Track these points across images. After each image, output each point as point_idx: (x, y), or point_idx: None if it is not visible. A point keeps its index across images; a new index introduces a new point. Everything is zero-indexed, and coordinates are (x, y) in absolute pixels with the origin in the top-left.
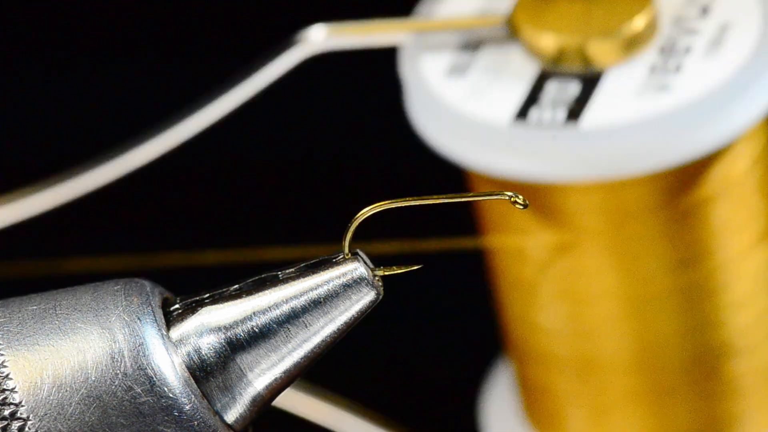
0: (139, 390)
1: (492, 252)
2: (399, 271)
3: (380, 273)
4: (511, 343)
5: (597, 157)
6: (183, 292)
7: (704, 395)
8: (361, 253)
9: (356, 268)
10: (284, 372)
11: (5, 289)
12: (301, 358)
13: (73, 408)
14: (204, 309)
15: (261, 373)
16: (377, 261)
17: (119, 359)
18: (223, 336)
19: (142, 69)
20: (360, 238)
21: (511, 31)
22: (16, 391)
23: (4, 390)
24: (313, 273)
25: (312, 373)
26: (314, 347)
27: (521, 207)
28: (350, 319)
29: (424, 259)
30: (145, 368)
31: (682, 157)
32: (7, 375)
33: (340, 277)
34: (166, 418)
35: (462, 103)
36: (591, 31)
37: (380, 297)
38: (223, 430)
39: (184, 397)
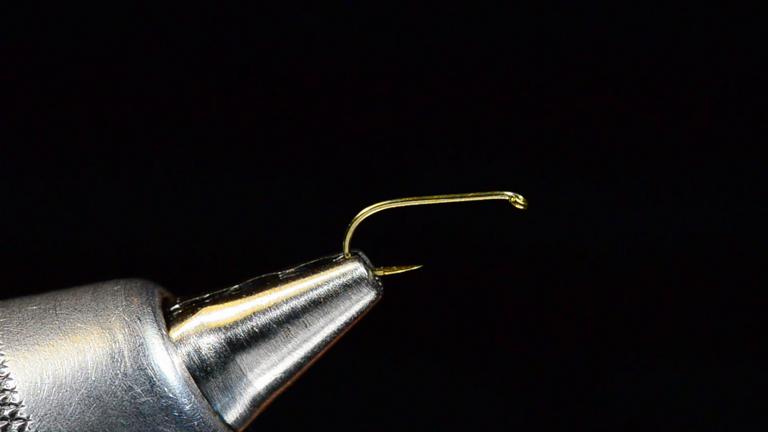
0: (139, 390)
1: None
2: (399, 271)
3: (380, 273)
4: None
5: None
6: (183, 292)
7: None
8: (361, 253)
9: (356, 268)
10: (284, 372)
11: (5, 289)
12: (302, 358)
13: (73, 408)
14: (204, 309)
15: (261, 373)
16: (377, 261)
17: (119, 359)
18: (223, 336)
19: None
20: (360, 237)
21: None
22: (16, 391)
23: (4, 390)
24: (313, 273)
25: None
26: (314, 347)
27: (521, 207)
28: (350, 319)
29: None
30: (145, 368)
31: None
32: (7, 375)
33: (340, 277)
34: (166, 418)
35: None
36: None
37: (380, 297)
38: (223, 431)
39: (184, 397)
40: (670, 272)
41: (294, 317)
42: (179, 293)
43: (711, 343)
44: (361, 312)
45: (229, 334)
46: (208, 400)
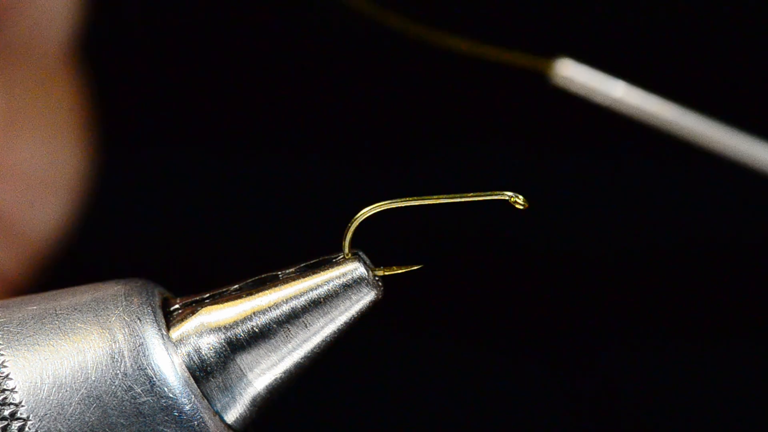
0: (139, 390)
1: None
2: (399, 271)
3: (380, 273)
4: None
5: None
6: (183, 292)
7: None
8: (361, 253)
9: (356, 268)
10: (284, 372)
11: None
12: (302, 358)
13: (73, 408)
14: (204, 309)
15: (261, 373)
16: (377, 261)
17: (119, 359)
18: (223, 336)
19: None
20: (360, 237)
21: None
22: (16, 391)
23: (4, 390)
24: (313, 273)
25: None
26: (314, 347)
27: (521, 207)
28: (350, 319)
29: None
30: (145, 368)
31: None
32: (7, 375)
33: (340, 277)
34: (166, 418)
35: None
36: None
37: (380, 297)
38: (223, 431)
39: (184, 397)
40: (668, 269)
41: (294, 317)
42: (179, 293)
43: (713, 336)
44: (361, 312)
45: (229, 334)
46: (208, 400)
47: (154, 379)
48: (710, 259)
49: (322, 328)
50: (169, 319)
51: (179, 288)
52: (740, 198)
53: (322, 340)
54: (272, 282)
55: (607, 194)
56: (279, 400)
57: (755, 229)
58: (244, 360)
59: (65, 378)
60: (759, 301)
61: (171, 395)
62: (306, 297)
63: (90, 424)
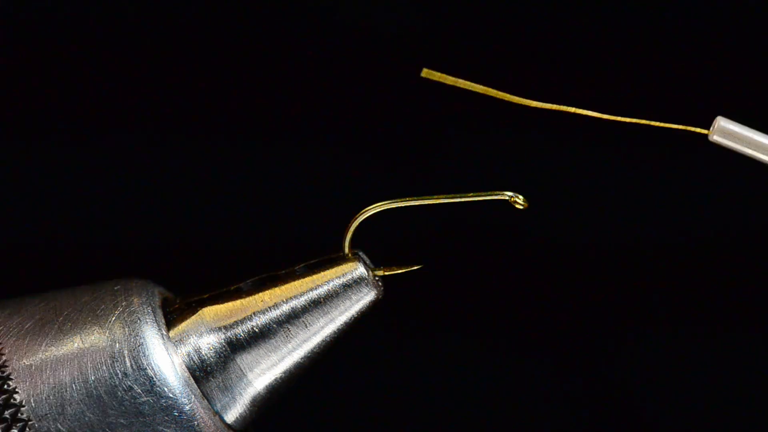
0: (139, 390)
1: None
2: (399, 271)
3: (380, 273)
4: None
5: None
6: (183, 292)
7: None
8: (361, 253)
9: (356, 268)
10: (284, 372)
11: (5, 289)
12: (302, 358)
13: (73, 408)
14: (204, 309)
15: (261, 373)
16: (377, 261)
17: (119, 359)
18: (223, 336)
19: None
20: (360, 237)
21: None
22: (17, 392)
23: (5, 391)
24: (313, 273)
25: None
26: (314, 347)
27: (521, 207)
28: (350, 319)
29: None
30: (145, 368)
31: None
32: (8, 375)
33: (340, 277)
34: (166, 418)
35: None
36: None
37: (380, 297)
38: (223, 431)
39: (184, 397)
40: (671, 267)
41: (294, 317)
42: (179, 293)
43: (715, 335)
44: (361, 312)
45: (229, 334)
46: (208, 400)
47: (154, 379)
48: (713, 257)
49: (322, 328)
50: (169, 319)
51: (179, 288)
52: (742, 196)
53: (322, 340)
54: (272, 282)
55: (608, 193)
56: (279, 400)
57: (759, 226)
58: (244, 360)
59: (65, 378)
60: (762, 298)
61: (171, 395)
62: (306, 297)
63: (90, 424)
